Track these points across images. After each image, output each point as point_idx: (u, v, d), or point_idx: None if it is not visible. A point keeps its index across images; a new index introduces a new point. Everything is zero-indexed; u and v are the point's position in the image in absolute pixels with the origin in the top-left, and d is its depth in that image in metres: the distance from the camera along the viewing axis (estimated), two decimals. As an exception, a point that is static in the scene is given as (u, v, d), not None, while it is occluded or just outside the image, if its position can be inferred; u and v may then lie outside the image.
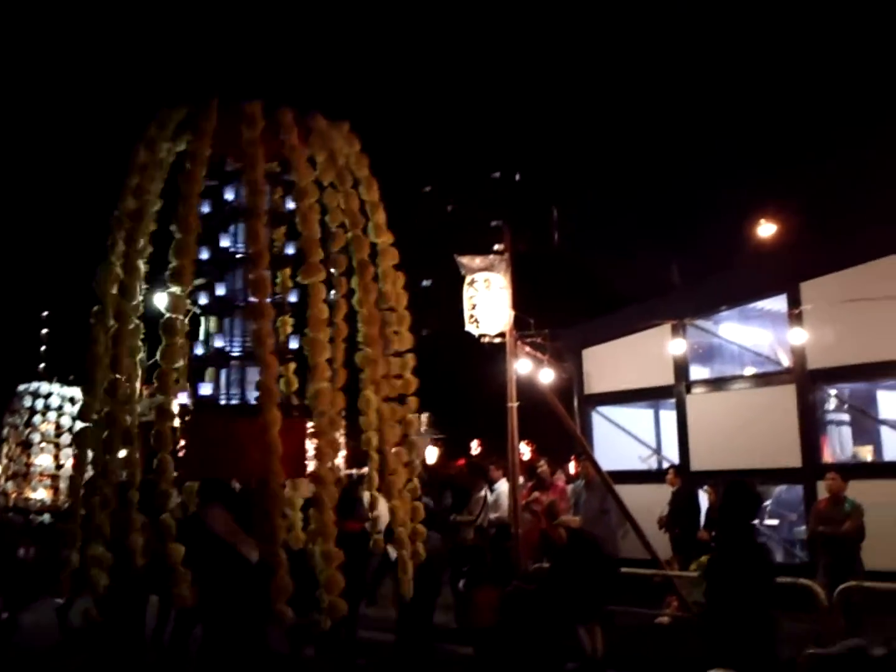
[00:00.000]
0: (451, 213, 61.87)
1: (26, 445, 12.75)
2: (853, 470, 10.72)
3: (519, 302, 9.32)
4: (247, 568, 4.71)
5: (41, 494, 11.94)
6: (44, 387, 12.19)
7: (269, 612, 4.40)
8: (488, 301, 8.99)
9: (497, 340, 9.19)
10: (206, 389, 5.42)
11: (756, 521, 4.67)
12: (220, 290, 5.49)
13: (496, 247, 9.53)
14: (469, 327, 9.07)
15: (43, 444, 11.93)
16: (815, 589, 6.75)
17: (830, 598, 6.77)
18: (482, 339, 9.14)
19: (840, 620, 7.05)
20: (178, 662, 6.88)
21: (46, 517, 11.49)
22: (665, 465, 11.98)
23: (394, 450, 5.36)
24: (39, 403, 12.01)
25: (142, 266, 5.01)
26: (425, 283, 56.84)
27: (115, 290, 4.96)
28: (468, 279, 9.10)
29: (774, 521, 12.28)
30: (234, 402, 5.32)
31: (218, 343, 5.44)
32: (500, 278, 9.08)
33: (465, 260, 9.15)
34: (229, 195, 5.58)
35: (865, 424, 11.65)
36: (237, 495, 5.21)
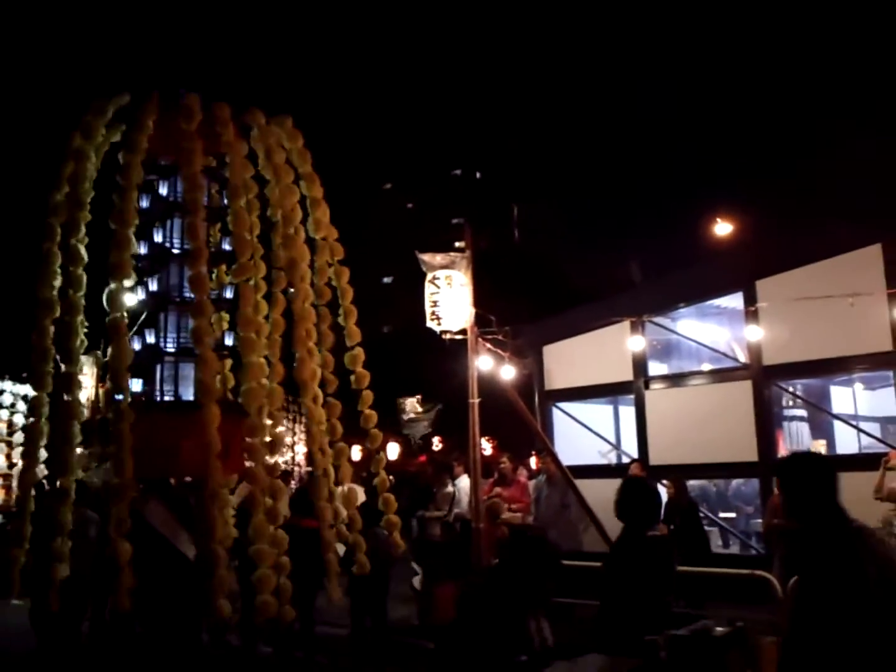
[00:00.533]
0: (412, 210, 61.87)
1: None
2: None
3: (480, 299, 9.34)
4: (183, 563, 4.74)
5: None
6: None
7: (204, 606, 4.45)
8: (449, 298, 9.00)
9: (458, 337, 9.21)
10: (138, 386, 5.39)
11: (655, 517, 4.63)
12: (153, 286, 5.45)
13: (457, 244, 9.54)
14: (430, 324, 9.08)
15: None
16: (770, 580, 6.87)
17: (786, 589, 6.88)
18: (443, 336, 9.15)
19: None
20: (112, 653, 6.66)
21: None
22: (625, 459, 12.11)
23: (338, 445, 5.44)
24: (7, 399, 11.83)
25: (84, 254, 4.91)
26: (386, 279, 56.79)
27: (58, 282, 4.89)
28: (429, 276, 9.10)
29: (731, 514, 12.49)
30: (168, 399, 5.31)
31: (150, 339, 5.39)
32: (460, 276, 9.09)
33: (426, 257, 9.14)
34: (163, 190, 5.53)
35: (819, 419, 11.89)
36: (175, 490, 5.19)
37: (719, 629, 3.95)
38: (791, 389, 11.14)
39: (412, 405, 20.82)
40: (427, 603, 8.55)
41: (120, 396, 4.76)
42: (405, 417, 20.50)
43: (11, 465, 12.00)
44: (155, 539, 4.84)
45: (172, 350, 5.40)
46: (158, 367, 5.48)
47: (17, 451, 11.58)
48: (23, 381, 11.90)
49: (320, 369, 5.51)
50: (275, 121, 5.30)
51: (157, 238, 5.59)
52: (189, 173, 4.82)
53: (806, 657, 3.16)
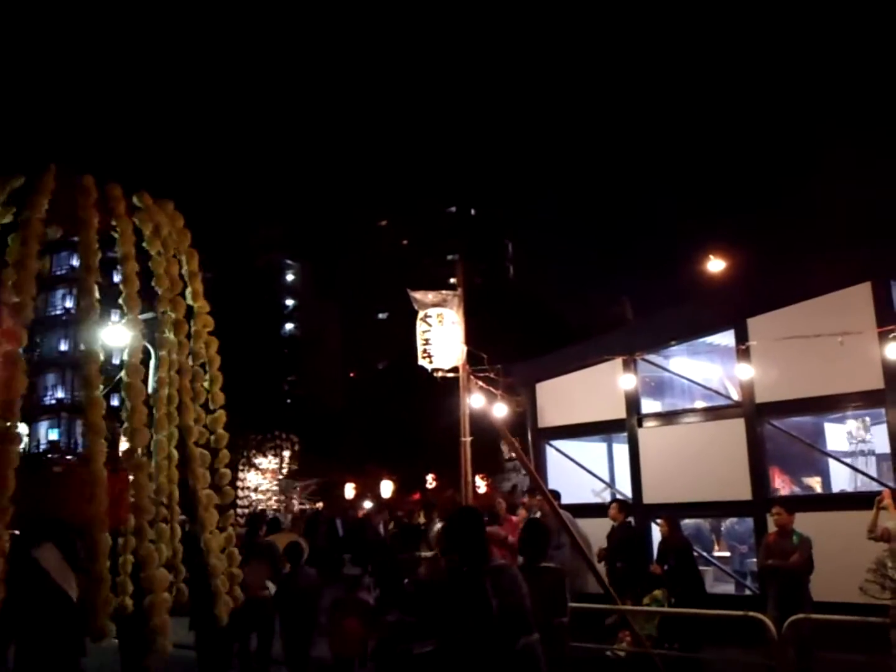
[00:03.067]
0: (407, 247, 62.16)
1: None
2: (802, 502, 10.89)
3: (472, 336, 9.34)
4: (68, 605, 5.07)
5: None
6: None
7: (81, 645, 4.97)
8: (441, 336, 8.99)
9: (450, 375, 9.19)
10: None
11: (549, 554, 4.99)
12: (63, 346, 5.94)
13: (452, 280, 9.56)
14: (422, 362, 9.06)
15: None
16: (764, 622, 6.80)
17: (780, 630, 6.83)
18: (435, 374, 9.13)
19: (790, 652, 7.13)
20: None
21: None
22: (620, 498, 12.04)
23: (205, 491, 5.89)
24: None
25: None
26: (381, 315, 56.86)
27: None
28: (421, 314, 9.10)
29: (726, 553, 12.39)
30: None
31: (59, 394, 5.85)
32: (452, 314, 9.09)
33: (417, 295, 9.15)
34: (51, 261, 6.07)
35: (813, 457, 11.85)
36: (67, 535, 5.48)
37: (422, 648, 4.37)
38: (784, 427, 11.10)
39: None
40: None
41: None
42: None
43: None
44: (45, 582, 5.16)
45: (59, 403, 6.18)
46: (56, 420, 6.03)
47: None
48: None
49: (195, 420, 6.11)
50: (159, 202, 5.97)
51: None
52: (85, 240, 5.44)
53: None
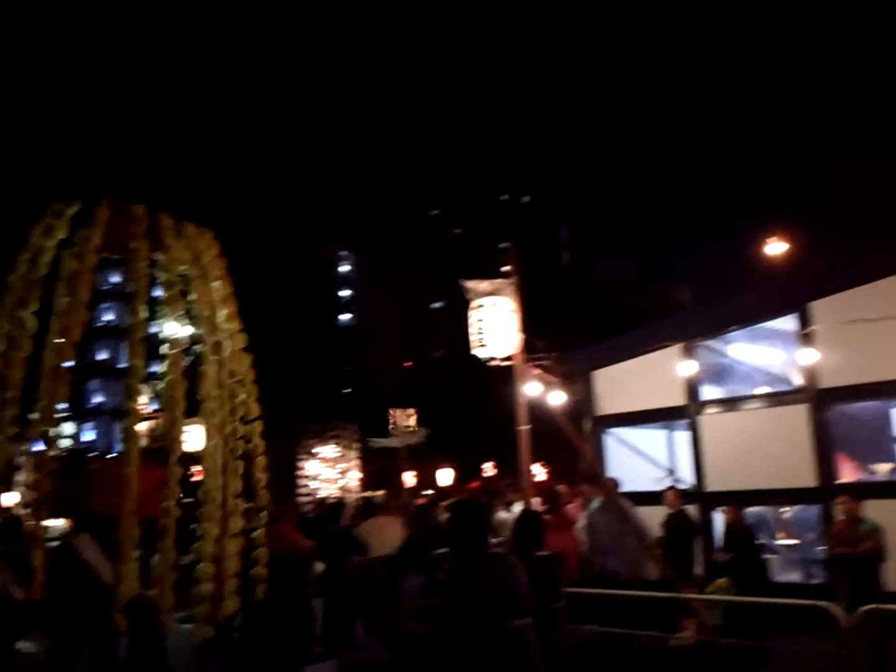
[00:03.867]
0: (460, 236, 62.11)
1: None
2: (869, 489, 10.62)
3: (527, 324, 9.30)
4: (102, 588, 5.62)
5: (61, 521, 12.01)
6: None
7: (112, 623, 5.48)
8: (495, 325, 8.97)
9: (506, 364, 9.17)
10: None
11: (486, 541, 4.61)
12: (104, 355, 6.54)
13: (505, 268, 9.52)
14: (477, 351, 9.05)
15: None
16: (834, 612, 6.66)
17: (851, 620, 6.67)
18: (490, 363, 9.12)
19: (862, 644, 6.96)
20: None
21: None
22: (681, 486, 11.90)
23: (234, 500, 6.39)
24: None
25: (30, 320, 6.05)
26: (435, 305, 57.03)
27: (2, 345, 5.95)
28: (475, 303, 9.09)
29: (792, 541, 12.16)
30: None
31: (99, 398, 6.39)
32: (507, 302, 9.06)
33: (471, 284, 9.14)
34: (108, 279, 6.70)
35: (881, 442, 11.54)
36: (102, 526, 6.07)
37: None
38: (849, 412, 10.83)
39: (403, 417, 20.96)
40: None
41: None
42: (397, 427, 20.59)
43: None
44: (80, 567, 5.79)
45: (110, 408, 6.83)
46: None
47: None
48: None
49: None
50: (199, 231, 6.59)
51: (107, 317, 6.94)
52: (136, 265, 6.09)
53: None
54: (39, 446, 5.80)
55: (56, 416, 5.75)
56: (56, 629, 5.80)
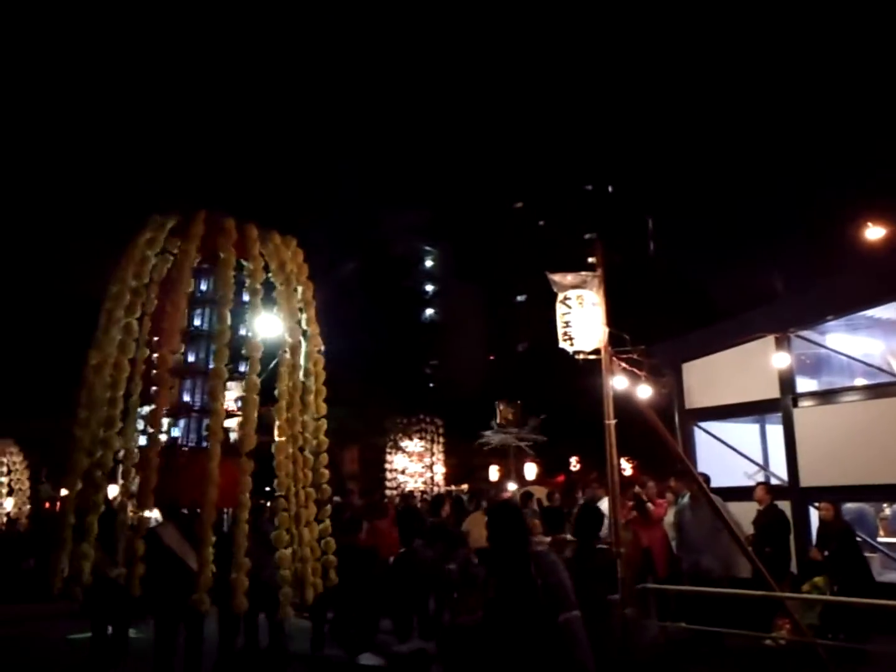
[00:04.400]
0: (544, 228, 61.75)
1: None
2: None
3: (614, 317, 9.18)
4: (189, 574, 6.04)
5: (156, 513, 12.49)
6: (146, 408, 12.78)
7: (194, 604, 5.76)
8: (581, 318, 8.88)
9: (592, 357, 9.07)
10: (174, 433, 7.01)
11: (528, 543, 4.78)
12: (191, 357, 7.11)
13: (590, 260, 9.41)
14: (563, 345, 8.98)
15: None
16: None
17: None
18: (577, 357, 9.04)
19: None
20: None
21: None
22: (774, 481, 11.57)
23: (307, 489, 6.70)
24: (141, 424, 12.54)
25: (136, 326, 6.50)
26: (520, 298, 56.86)
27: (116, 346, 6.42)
28: (560, 296, 9.01)
29: (893, 539, 11.69)
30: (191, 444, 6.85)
31: (186, 398, 6.84)
32: (592, 295, 8.96)
33: (556, 277, 9.06)
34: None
35: None
36: (185, 517, 6.62)
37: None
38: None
39: (508, 411, 20.82)
40: None
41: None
42: (506, 421, 20.47)
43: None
44: (167, 554, 6.36)
45: (198, 407, 7.15)
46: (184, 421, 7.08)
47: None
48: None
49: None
50: (284, 240, 6.97)
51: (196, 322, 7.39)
52: (223, 276, 6.52)
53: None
54: (143, 442, 6.22)
55: (161, 418, 6.31)
56: (150, 612, 6.48)
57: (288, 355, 6.85)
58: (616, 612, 5.98)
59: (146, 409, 6.52)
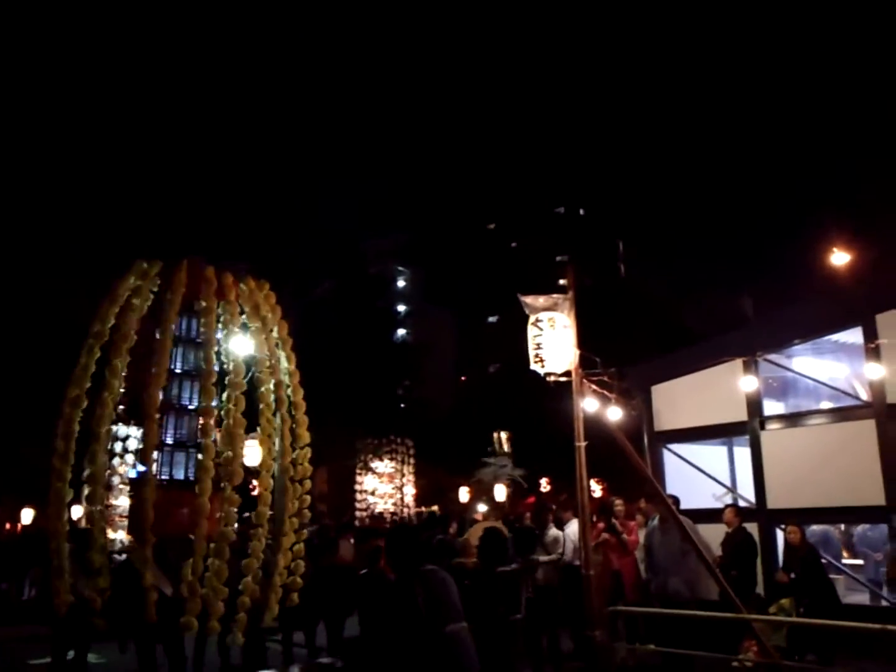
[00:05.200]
0: (516, 249, 62.04)
1: (106, 488, 13.25)
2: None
3: (585, 339, 9.25)
4: (162, 597, 6.47)
5: (121, 535, 12.28)
6: (122, 429, 12.59)
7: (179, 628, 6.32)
8: (553, 340, 8.94)
9: (563, 379, 9.12)
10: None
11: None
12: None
13: (562, 282, 9.48)
14: (534, 367, 9.03)
15: (121, 486, 12.27)
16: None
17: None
18: (548, 379, 9.09)
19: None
20: None
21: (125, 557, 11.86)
22: (742, 503, 11.67)
23: (291, 519, 7.23)
24: (118, 446, 12.38)
25: (120, 366, 6.99)
26: (492, 319, 56.96)
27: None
28: (532, 318, 9.07)
29: (858, 561, 11.82)
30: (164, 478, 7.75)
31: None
32: (563, 317, 9.03)
33: (528, 300, 9.13)
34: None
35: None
36: (158, 546, 6.81)
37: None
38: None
39: (501, 440, 20.86)
40: None
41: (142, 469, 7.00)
42: (499, 451, 20.49)
43: (105, 508, 12.74)
44: (138, 578, 6.52)
45: (170, 442, 8.29)
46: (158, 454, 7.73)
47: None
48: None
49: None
50: (258, 284, 7.66)
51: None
52: (207, 319, 7.13)
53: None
54: (134, 474, 7.03)
55: (153, 456, 6.87)
56: (128, 636, 6.68)
57: (266, 390, 7.28)
58: (517, 631, 6.35)
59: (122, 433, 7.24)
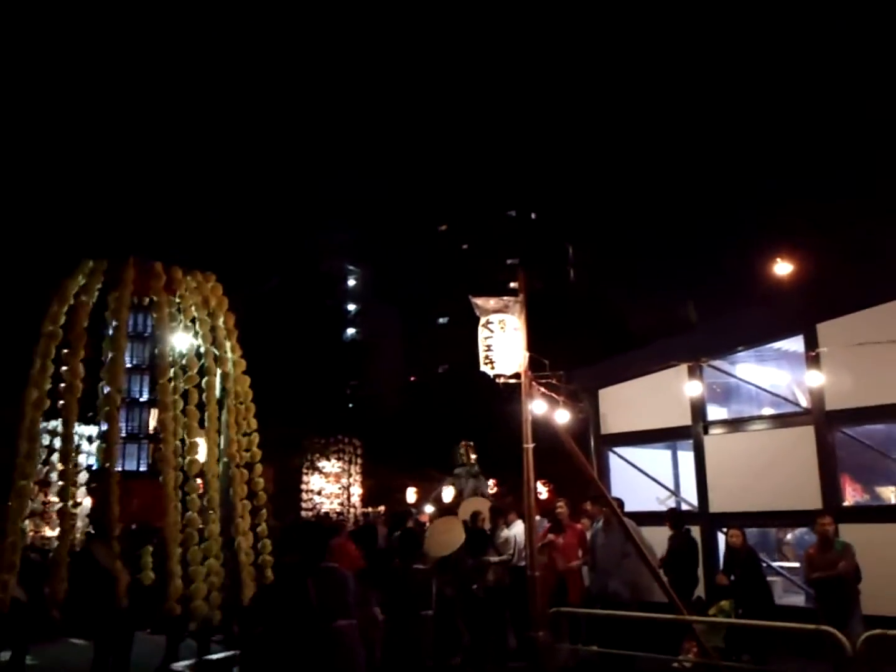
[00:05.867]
0: (467, 252, 62.24)
1: (44, 484, 12.94)
2: (875, 513, 10.58)
3: (534, 341, 9.31)
4: (113, 584, 6.69)
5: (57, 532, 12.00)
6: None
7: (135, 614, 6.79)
8: (503, 342, 8.98)
9: (512, 381, 9.17)
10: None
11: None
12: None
13: (512, 284, 9.53)
14: (484, 368, 9.06)
15: (60, 483, 11.97)
16: (836, 635, 6.61)
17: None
18: (497, 380, 9.12)
19: (864, 670, 6.89)
20: None
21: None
22: (685, 506, 11.85)
23: (242, 502, 7.47)
24: (57, 442, 12.09)
25: (80, 367, 7.15)
26: (442, 320, 57.03)
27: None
28: (483, 320, 9.10)
29: (795, 564, 12.09)
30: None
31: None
32: (514, 319, 9.08)
33: (479, 301, 9.15)
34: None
35: (886, 466, 11.49)
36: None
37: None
38: (855, 435, 10.78)
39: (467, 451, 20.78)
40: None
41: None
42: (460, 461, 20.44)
43: (76, 505, 12.32)
44: (101, 571, 6.75)
45: (123, 435, 8.37)
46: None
47: (81, 490, 11.77)
48: (86, 423, 12.24)
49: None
50: (205, 276, 7.84)
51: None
52: (160, 314, 7.31)
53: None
54: (95, 468, 7.27)
55: (115, 447, 7.03)
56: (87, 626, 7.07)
57: (215, 381, 7.52)
58: (428, 626, 6.62)
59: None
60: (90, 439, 12.99)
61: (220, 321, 7.78)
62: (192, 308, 7.64)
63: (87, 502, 11.33)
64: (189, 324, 7.51)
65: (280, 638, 5.11)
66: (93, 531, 7.64)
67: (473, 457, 18.66)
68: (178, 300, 7.49)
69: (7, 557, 6.79)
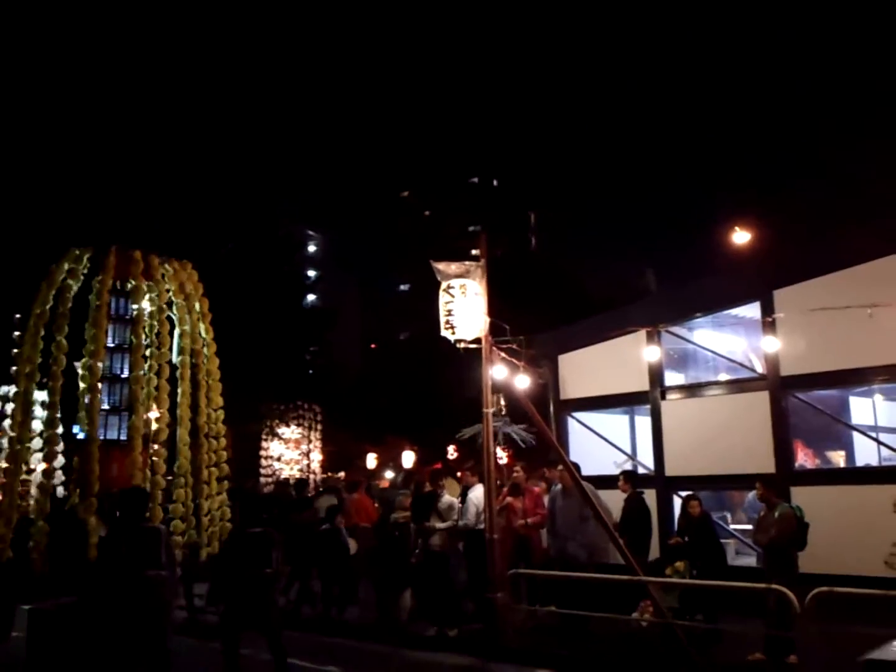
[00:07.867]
0: (429, 218, 61.89)
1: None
2: (825, 476, 10.84)
3: (495, 307, 9.31)
4: (101, 539, 7.21)
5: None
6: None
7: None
8: (464, 307, 8.97)
9: (473, 346, 9.17)
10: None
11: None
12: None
13: (474, 251, 9.50)
14: (445, 333, 9.05)
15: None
16: (787, 595, 6.79)
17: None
18: (458, 345, 9.12)
19: (813, 626, 7.08)
20: None
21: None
22: (641, 470, 12.02)
23: (209, 469, 8.34)
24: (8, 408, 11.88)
25: (66, 343, 7.83)
26: (403, 287, 56.84)
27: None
28: (444, 285, 9.07)
29: (748, 526, 12.35)
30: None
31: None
32: (475, 285, 9.06)
33: (440, 266, 9.12)
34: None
35: (837, 430, 11.76)
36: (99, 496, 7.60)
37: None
38: (809, 400, 11.00)
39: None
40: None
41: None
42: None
43: (30, 471, 12.14)
44: (81, 525, 7.31)
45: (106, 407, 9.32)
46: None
47: (35, 457, 11.61)
48: (40, 388, 12.04)
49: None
50: (181, 264, 8.53)
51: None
52: (136, 299, 8.04)
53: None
54: (81, 437, 7.94)
55: (97, 421, 7.77)
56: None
57: (188, 360, 8.21)
58: (269, 583, 7.05)
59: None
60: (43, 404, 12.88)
61: (196, 305, 8.50)
62: (169, 293, 8.34)
63: (40, 468, 11.20)
64: (165, 306, 8.18)
65: (101, 583, 6.51)
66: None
67: (503, 404, 18.58)
68: (155, 284, 8.23)
69: (6, 513, 7.58)
